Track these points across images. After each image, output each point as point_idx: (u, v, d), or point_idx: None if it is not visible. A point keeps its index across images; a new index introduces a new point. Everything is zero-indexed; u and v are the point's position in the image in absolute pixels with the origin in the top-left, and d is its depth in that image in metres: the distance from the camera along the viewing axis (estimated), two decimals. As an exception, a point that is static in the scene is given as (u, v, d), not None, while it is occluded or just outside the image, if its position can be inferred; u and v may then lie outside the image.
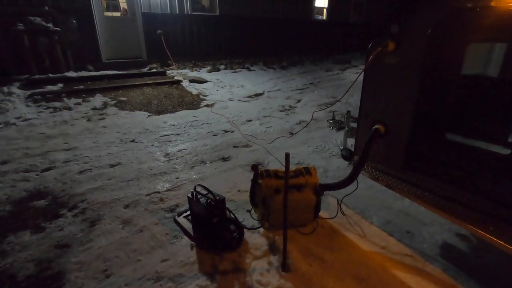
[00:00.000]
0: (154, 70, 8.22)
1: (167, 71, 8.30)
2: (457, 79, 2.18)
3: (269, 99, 6.88)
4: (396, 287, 1.76)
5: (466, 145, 2.16)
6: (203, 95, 6.84)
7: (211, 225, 1.97)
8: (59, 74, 6.60)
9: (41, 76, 6.32)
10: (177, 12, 9.18)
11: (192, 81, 7.72)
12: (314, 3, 12.97)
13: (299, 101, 6.72)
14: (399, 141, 1.93)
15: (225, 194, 2.61)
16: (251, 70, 9.85)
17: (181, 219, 2.34)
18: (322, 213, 2.41)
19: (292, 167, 2.21)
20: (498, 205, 1.54)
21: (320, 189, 2.24)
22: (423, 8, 1.67)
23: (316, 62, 12.12)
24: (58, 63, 6.72)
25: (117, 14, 8.36)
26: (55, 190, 2.84)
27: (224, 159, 3.62)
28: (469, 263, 1.96)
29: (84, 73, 7.04)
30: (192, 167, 3.38)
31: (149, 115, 5.36)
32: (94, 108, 5.45)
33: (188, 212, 2.32)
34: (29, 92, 5.59)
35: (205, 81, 7.90)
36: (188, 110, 5.78)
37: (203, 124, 4.96)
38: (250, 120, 5.21)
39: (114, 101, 5.85)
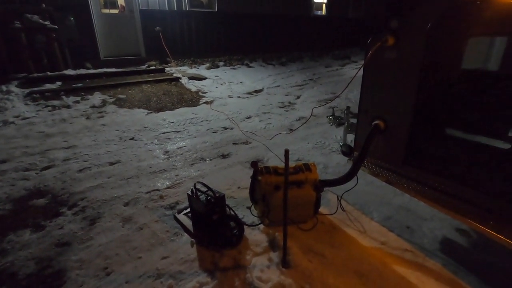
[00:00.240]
0: (153, 67, 8.19)
1: (166, 68, 8.26)
2: (457, 73, 2.17)
3: (269, 95, 6.86)
4: (396, 282, 1.76)
5: (466, 140, 2.15)
6: (202, 92, 6.82)
7: (211, 222, 1.97)
8: (57, 72, 6.57)
9: (39, 74, 6.29)
10: (175, 9, 9.13)
11: (191, 78, 7.69)
12: (313, -1, 12.90)
13: (298, 97, 6.70)
14: (399, 136, 1.92)
15: (225, 191, 2.61)
16: (250, 67, 9.81)
17: (181, 216, 2.35)
18: (322, 209, 2.41)
19: (292, 164, 2.20)
20: (498, 199, 1.54)
21: (320, 185, 2.24)
22: (422, 2, 1.66)
23: (316, 58, 12.07)
24: (56, 61, 6.69)
25: (115, 11, 8.31)
26: (54, 189, 2.84)
27: (224, 156, 3.62)
28: (469, 258, 1.96)
29: (82, 71, 7.01)
30: (192, 164, 3.38)
31: (148, 113, 5.34)
32: (93, 106, 5.43)
33: (188, 210, 2.32)
34: (27, 91, 5.57)
35: (204, 78, 7.87)
36: (187, 107, 5.76)
37: (203, 121, 4.95)
38: (249, 117, 5.19)
39: (113, 99, 5.83)
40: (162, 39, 8.50)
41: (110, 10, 8.19)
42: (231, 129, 4.57)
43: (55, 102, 5.37)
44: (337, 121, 2.71)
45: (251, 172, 2.26)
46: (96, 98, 5.77)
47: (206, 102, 6.12)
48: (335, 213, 2.39)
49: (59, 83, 6.24)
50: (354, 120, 2.39)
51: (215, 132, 4.43)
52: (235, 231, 2.07)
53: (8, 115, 4.73)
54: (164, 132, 4.38)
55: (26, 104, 5.19)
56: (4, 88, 5.53)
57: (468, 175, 1.79)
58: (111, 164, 3.37)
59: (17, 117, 4.72)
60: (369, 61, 1.95)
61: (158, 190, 2.82)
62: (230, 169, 3.25)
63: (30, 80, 6.07)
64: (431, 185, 1.82)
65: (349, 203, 2.55)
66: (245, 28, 10.94)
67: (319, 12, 13.81)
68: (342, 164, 3.27)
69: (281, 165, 2.06)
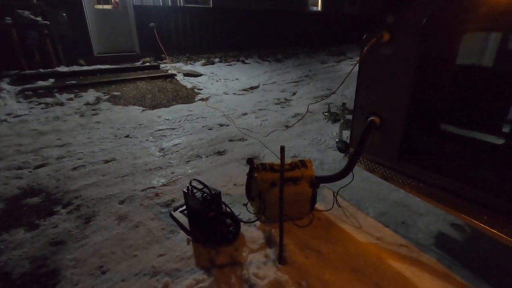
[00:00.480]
0: (148, 64, 8.11)
1: (160, 65, 8.19)
2: (452, 69, 2.17)
3: (264, 92, 6.84)
4: (391, 277, 1.77)
5: (461, 135, 2.16)
6: (197, 89, 6.78)
7: (207, 220, 1.96)
8: (50, 69, 6.48)
9: (31, 71, 6.20)
10: (170, 5, 9.04)
11: (187, 74, 7.63)
12: (308, -6, 12.84)
13: (294, 93, 6.69)
14: (394, 132, 1.93)
15: (221, 188, 2.61)
16: (246, 63, 9.77)
17: (177, 214, 2.34)
18: (318, 206, 2.42)
19: (288, 160, 2.20)
20: (492, 194, 1.56)
21: (316, 182, 2.24)
22: (418, -3, 1.65)
23: (311, 54, 12.05)
24: (49, 58, 6.59)
25: (108, 7, 8.19)
26: (48, 187, 2.81)
27: (220, 153, 3.60)
28: (463, 252, 1.98)
29: (75, 68, 6.92)
30: (188, 161, 3.36)
31: (143, 110, 5.30)
32: (87, 104, 5.36)
33: (184, 207, 2.31)
34: (19, 88, 5.49)
35: (200, 75, 7.82)
36: (182, 104, 5.72)
37: (198, 118, 4.92)
38: (245, 114, 5.18)
39: (107, 96, 5.76)
40: (157, 36, 8.41)
41: (103, 6, 8.07)
42: (227, 126, 4.55)
43: (48, 100, 5.30)
44: (333, 117, 2.71)
45: (247, 169, 2.26)
46: (90, 95, 5.70)
47: (202, 99, 6.08)
48: (331, 209, 2.40)
49: (52, 80, 6.15)
50: (349, 117, 2.39)
51: (211, 129, 4.41)
52: (231, 228, 2.06)
53: (0, 112, 4.66)
54: (160, 129, 4.35)
55: (19, 102, 5.11)
56: (-5, 85, 5.44)
57: (462, 170, 1.80)
58: (106, 162, 3.34)
59: (9, 114, 4.65)
60: (365, 57, 1.95)
61: (153, 187, 2.80)
62: (226, 166, 3.25)
63: (22, 77, 5.97)
64: (426, 180, 1.83)
65: (345, 199, 2.56)
66: (240, 24, 10.87)
67: (314, 8, 13.77)
68: (338, 160, 3.28)
69: (277, 161, 2.06)
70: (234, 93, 6.65)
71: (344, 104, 2.60)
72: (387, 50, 1.85)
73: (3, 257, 1.98)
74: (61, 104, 5.23)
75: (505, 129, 2.02)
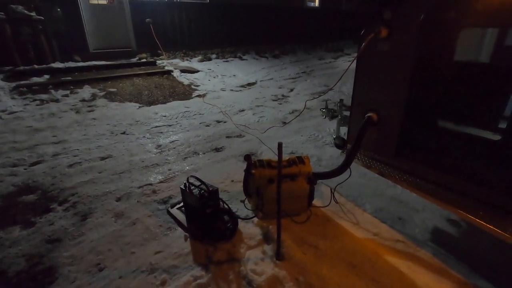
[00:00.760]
0: (144, 60, 8.04)
1: (157, 61, 8.12)
2: (450, 65, 2.17)
3: (262, 88, 6.82)
4: (388, 272, 1.79)
5: (458, 131, 2.17)
6: (194, 85, 6.74)
7: (204, 216, 1.96)
8: (44, 65, 6.39)
9: (25, 67, 6.11)
10: (166, 0, 8.93)
11: (183, 71, 7.58)
12: (306, -10, 12.78)
13: (291, 90, 6.68)
14: (392, 128, 1.93)
15: (218, 185, 2.60)
16: (243, 59, 9.72)
17: (174, 211, 2.33)
18: (315, 202, 2.42)
19: (285, 157, 2.20)
20: (488, 190, 1.57)
21: (314, 178, 2.24)
22: (416, -8, 1.64)
23: (309, 51, 12.02)
24: (43, 54, 6.50)
25: (104, 2, 8.08)
26: (44, 184, 2.79)
27: (217, 149, 3.59)
28: (459, 248, 2.00)
29: (71, 64, 6.84)
30: (185, 158, 3.35)
31: (139, 106, 5.26)
32: (83, 100, 5.31)
33: (182, 204, 2.30)
34: (13, 84, 5.41)
35: (197, 71, 7.77)
36: (179, 101, 5.69)
37: (195, 114, 4.90)
38: (242, 110, 5.16)
39: (103, 93, 5.71)
40: (153, 31, 8.32)
41: (99, 1, 7.96)
42: (224, 122, 4.54)
43: (43, 96, 5.24)
44: (331, 113, 2.71)
45: (244, 165, 2.25)
46: (86, 91, 5.65)
47: (199, 95, 6.05)
48: (328, 205, 2.41)
49: (46, 76, 6.07)
50: (347, 113, 2.39)
51: (208, 126, 4.39)
52: (229, 224, 2.06)
53: (-6, 109, 4.60)
54: (156, 126, 4.33)
55: (13, 98, 5.05)
56: (-11, 81, 5.37)
57: (459, 167, 1.81)
58: (102, 158, 3.31)
59: (3, 111, 4.59)
60: (362, 53, 1.94)
61: (150, 184, 2.79)
62: (223, 163, 3.24)
63: (16, 74, 5.89)
64: (422, 176, 1.84)
65: (342, 195, 2.57)
66: (237, 20, 10.79)
67: (312, 4, 13.70)
68: (335, 156, 3.29)
69: (275, 158, 2.05)
70: (232, 90, 6.62)
71: (341, 100, 2.60)
72: (384, 46, 1.85)
73: (-1, 255, 1.97)
74: (57, 100, 5.18)
75: (502, 125, 2.03)
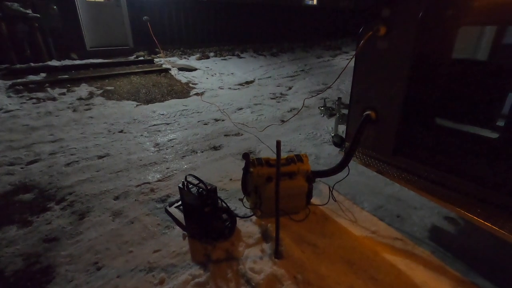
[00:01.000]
0: (141, 58, 7.99)
1: (154, 59, 8.08)
2: (448, 63, 2.17)
3: (260, 86, 6.80)
4: (386, 270, 1.79)
5: (455, 129, 2.18)
6: (192, 84, 6.71)
7: (203, 215, 1.95)
8: (41, 63, 6.34)
9: (22, 65, 6.06)
10: (163, -3, 8.88)
11: (181, 69, 7.55)
12: (304, -12, 12.74)
13: (290, 88, 6.67)
14: (390, 126, 1.93)
15: (216, 183, 2.60)
16: (241, 58, 9.69)
17: (172, 209, 2.32)
18: (314, 200, 2.42)
19: (284, 155, 2.19)
20: (485, 188, 1.57)
21: (312, 176, 2.24)
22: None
23: (307, 49, 12.00)
24: (40, 52, 6.45)
25: (100, -1, 8.03)
26: (41, 183, 2.77)
27: (215, 148, 3.58)
28: (457, 245, 2.01)
29: (67, 62, 6.78)
30: (183, 156, 3.34)
31: (137, 105, 5.24)
32: (80, 98, 5.28)
33: (180, 202, 2.29)
34: (9, 83, 5.36)
35: (195, 69, 7.74)
36: (177, 99, 5.67)
37: (193, 113, 4.88)
38: (241, 108, 5.15)
39: (101, 91, 5.68)
40: (151, 29, 8.27)
41: (95, -2, 7.91)
42: (223, 120, 4.53)
43: (40, 94, 5.20)
44: (329, 112, 2.71)
45: (243, 164, 2.25)
46: (83, 90, 5.61)
47: (197, 94, 6.03)
48: (327, 203, 2.41)
49: (43, 74, 6.02)
50: (345, 111, 2.39)
51: (206, 124, 4.38)
52: (227, 223, 2.06)
53: (-10, 108, 4.56)
54: (154, 125, 4.31)
55: (9, 97, 5.01)
56: (-15, 80, 5.31)
57: (457, 164, 1.82)
58: (100, 157, 3.30)
59: (-1, 110, 4.55)
60: (361, 51, 1.94)
61: (148, 183, 2.78)
62: (221, 161, 3.23)
63: (13, 72, 5.84)
64: (421, 174, 1.85)
65: (340, 193, 2.57)
66: (235, 18, 10.75)
67: (310, 2, 13.67)
68: (333, 154, 3.29)
69: (273, 156, 2.05)
70: (230, 88, 6.60)
71: (339, 98, 2.60)
72: (383, 44, 1.84)
73: (-5, 254, 1.95)
74: (53, 99, 5.14)
75: (500, 123, 2.04)
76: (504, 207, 1.51)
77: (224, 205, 2.14)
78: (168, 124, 4.35)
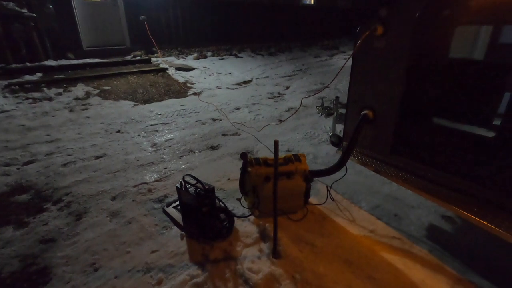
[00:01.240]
0: (139, 57, 7.96)
1: (152, 58, 8.05)
2: (444, 63, 2.18)
3: (258, 86, 6.80)
4: (384, 269, 1.80)
5: (452, 128, 2.19)
6: (190, 83, 6.69)
7: (200, 215, 1.94)
8: (37, 63, 6.30)
9: (17, 65, 6.01)
10: (160, -3, 8.84)
11: (179, 68, 7.53)
12: (301, -13, 12.74)
13: (287, 88, 6.67)
14: (387, 126, 1.93)
15: (214, 183, 2.60)
16: (239, 57, 9.68)
17: (170, 210, 2.31)
18: (312, 199, 2.43)
19: (282, 155, 2.19)
20: (482, 186, 1.58)
21: (310, 176, 2.24)
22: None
23: (305, 48, 12.01)
24: (36, 51, 6.40)
25: (97, -2, 7.97)
26: (38, 184, 2.75)
27: (213, 148, 3.58)
28: (454, 244, 2.02)
29: (64, 62, 6.74)
30: (181, 156, 3.33)
31: (134, 105, 5.22)
32: (77, 98, 5.25)
33: (177, 202, 2.29)
34: (5, 82, 5.32)
35: (192, 69, 7.72)
36: (175, 99, 5.65)
37: (191, 112, 4.87)
38: (238, 108, 5.14)
39: (98, 91, 5.65)
40: (147, 29, 8.24)
41: (92, -3, 7.85)
42: (220, 120, 4.52)
43: (36, 94, 5.16)
44: (326, 111, 2.71)
45: (240, 163, 2.24)
46: (80, 89, 5.58)
47: (194, 93, 6.01)
48: (324, 203, 2.41)
49: (39, 74, 5.99)
50: (343, 110, 2.39)
51: (204, 124, 4.37)
52: (225, 223, 2.05)
53: (-14, 108, 4.53)
54: (152, 124, 4.29)
55: (5, 97, 4.97)
56: (-20, 79, 5.27)
57: (454, 163, 1.83)
58: (97, 157, 3.28)
59: (-5, 110, 4.51)
60: (358, 51, 1.94)
61: (146, 183, 2.77)
62: (219, 161, 3.23)
63: (8, 72, 5.79)
64: (418, 173, 1.85)
65: (338, 192, 2.58)
66: (233, 18, 10.73)
67: (307, 2, 13.68)
68: (331, 154, 3.29)
69: (271, 156, 2.05)
70: (227, 88, 6.59)
71: (337, 98, 2.60)
72: (380, 44, 1.84)
73: (-9, 255, 1.93)
74: (50, 99, 5.11)
75: (496, 122, 2.05)
76: (501, 206, 1.51)
77: (222, 205, 2.14)
78: (165, 124, 4.34)
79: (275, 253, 1.86)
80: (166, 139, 3.79)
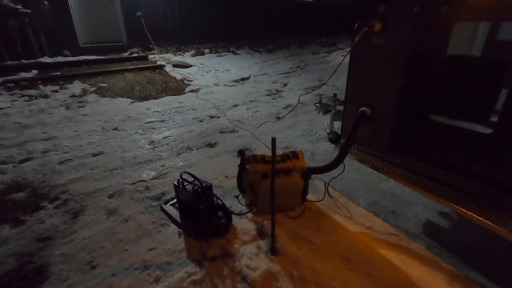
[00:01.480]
0: (136, 54, 7.89)
1: (149, 55, 7.99)
2: (443, 59, 2.18)
3: (256, 83, 6.78)
4: (381, 265, 1.80)
5: (450, 125, 2.19)
6: (187, 80, 6.66)
7: (198, 212, 1.94)
8: (32, 60, 6.22)
9: (13, 62, 5.94)
10: (157, -7, 8.75)
11: (176, 65, 7.48)
12: (299, -16, 12.66)
13: (285, 85, 6.65)
14: (385, 123, 1.93)
15: (212, 181, 2.58)
16: (237, 54, 9.64)
17: (167, 207, 2.30)
18: (309, 196, 2.43)
19: (280, 152, 2.19)
20: (479, 183, 1.58)
21: (308, 173, 2.24)
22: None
23: (302, 45, 11.97)
24: (31, 48, 6.33)
25: (93, -6, 7.88)
26: (34, 182, 2.73)
27: (211, 145, 3.57)
28: (451, 240, 2.03)
29: (60, 59, 6.67)
30: (178, 154, 3.32)
31: (131, 102, 5.18)
32: (73, 96, 5.21)
33: (175, 200, 2.28)
34: (0, 80, 5.27)
35: (189, 66, 7.68)
36: (172, 96, 5.62)
37: (188, 110, 4.85)
38: (236, 105, 5.13)
39: (94, 88, 5.61)
40: (144, 25, 8.16)
41: (88, -7, 7.76)
42: (218, 117, 4.50)
43: (32, 92, 5.12)
44: (324, 108, 2.70)
45: (238, 161, 2.24)
46: (76, 87, 5.53)
47: (192, 91, 5.98)
48: (322, 200, 2.41)
49: (35, 71, 5.92)
50: (341, 107, 2.39)
51: (201, 121, 4.35)
52: (223, 220, 2.05)
53: (-19, 105, 4.48)
54: (149, 122, 4.27)
55: (0, 94, 4.91)
56: (-25, 77, 5.21)
57: (451, 160, 1.83)
58: (94, 155, 3.26)
59: (-10, 107, 4.47)
60: (356, 47, 1.93)
61: (143, 181, 2.75)
62: (217, 158, 3.22)
63: (3, 69, 5.73)
64: (415, 170, 1.85)
65: (336, 189, 2.58)
66: (231, 14, 10.66)
67: (305, -2, 13.59)
68: (329, 151, 3.29)
69: (269, 153, 2.04)
70: (225, 85, 6.56)
71: (335, 95, 2.59)
72: (378, 40, 1.84)
73: (-13, 254, 1.92)
74: (46, 96, 5.06)
75: (493, 119, 2.05)
76: (498, 202, 1.52)
77: (220, 202, 2.13)
78: (163, 121, 4.32)
79: (273, 250, 1.86)
80: (163, 136, 3.78)
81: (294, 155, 2.22)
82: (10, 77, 5.43)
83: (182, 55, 8.76)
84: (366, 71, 1.97)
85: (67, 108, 4.72)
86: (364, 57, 1.96)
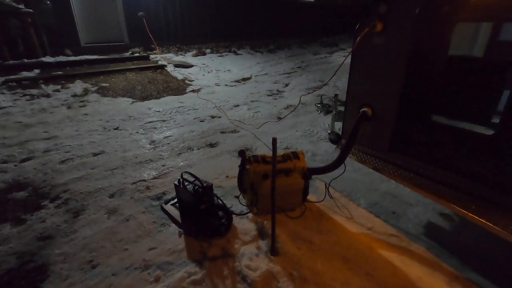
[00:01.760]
0: (137, 54, 7.91)
1: (150, 55, 8.01)
2: (444, 60, 2.17)
3: (257, 83, 6.78)
4: (382, 266, 1.80)
5: (451, 126, 2.18)
6: (189, 80, 6.67)
7: (199, 212, 1.94)
8: (34, 60, 6.25)
9: (15, 61, 5.97)
10: (159, -7, 8.77)
11: (177, 65, 7.49)
12: (301, -16, 12.66)
13: (286, 85, 6.65)
14: (386, 123, 1.93)
15: (213, 181, 2.59)
16: (238, 54, 9.64)
17: (168, 207, 2.31)
18: (310, 197, 2.43)
19: (280, 152, 2.19)
20: (480, 184, 1.58)
21: (308, 173, 2.24)
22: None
23: (304, 45, 11.96)
24: (33, 48, 6.35)
25: (95, -6, 7.90)
26: (35, 181, 2.74)
27: (212, 145, 3.57)
28: (452, 241, 2.02)
29: (62, 58, 6.70)
30: (179, 154, 3.32)
31: (133, 102, 5.19)
32: (75, 95, 5.22)
33: (176, 200, 2.28)
34: (2, 79, 5.29)
35: (191, 66, 7.68)
36: (173, 96, 5.63)
37: (190, 110, 4.85)
38: (237, 105, 5.13)
39: (96, 87, 5.62)
40: (146, 25, 8.18)
41: (90, -7, 7.78)
42: (219, 117, 4.51)
43: (34, 91, 5.13)
44: (325, 109, 2.70)
45: (239, 161, 2.24)
46: (78, 86, 5.55)
47: (193, 91, 5.99)
48: (323, 200, 2.41)
49: (37, 71, 5.95)
50: (342, 108, 2.38)
51: (202, 121, 4.35)
52: (223, 220, 2.05)
53: (-17, 104, 4.50)
54: (150, 122, 4.28)
55: (2, 93, 4.93)
56: (-23, 76, 5.23)
57: (452, 161, 1.82)
58: (95, 155, 3.27)
59: (-8, 107, 4.49)
60: (357, 47, 1.93)
61: (144, 180, 2.76)
62: (218, 158, 3.22)
63: (6, 68, 5.75)
64: (416, 171, 1.85)
65: (336, 190, 2.58)
66: (232, 14, 10.67)
67: (307, -2, 13.59)
68: (330, 151, 3.29)
69: (269, 153, 2.04)
70: (226, 85, 6.57)
71: (336, 95, 2.59)
72: (379, 40, 1.83)
73: (-12, 253, 1.93)
74: (47, 95, 5.08)
75: (495, 120, 2.04)
76: (499, 204, 1.51)
77: (220, 202, 2.14)
78: (164, 121, 4.32)
79: (273, 251, 1.86)
80: (164, 136, 3.78)
81: (295, 155, 2.22)
82: (12, 76, 5.46)
83: (184, 55, 8.77)
84: (368, 71, 1.97)
85: (69, 107, 4.73)
86: (366, 58, 1.96)
